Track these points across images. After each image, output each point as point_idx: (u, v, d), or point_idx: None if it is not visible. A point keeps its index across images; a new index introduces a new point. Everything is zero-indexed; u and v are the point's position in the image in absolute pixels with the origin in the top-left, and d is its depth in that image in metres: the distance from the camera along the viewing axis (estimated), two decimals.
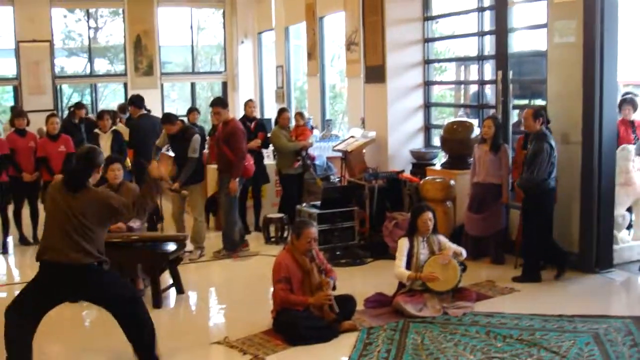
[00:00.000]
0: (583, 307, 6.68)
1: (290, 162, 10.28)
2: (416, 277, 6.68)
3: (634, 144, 8.35)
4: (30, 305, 5.32)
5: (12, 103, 17.13)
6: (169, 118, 9.05)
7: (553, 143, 7.51)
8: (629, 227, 8.53)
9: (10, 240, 10.03)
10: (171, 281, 7.62)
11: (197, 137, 8.96)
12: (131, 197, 7.58)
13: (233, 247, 9.18)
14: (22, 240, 10.03)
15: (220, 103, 9.23)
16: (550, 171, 7.50)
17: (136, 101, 10.84)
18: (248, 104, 11.29)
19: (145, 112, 10.92)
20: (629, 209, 8.44)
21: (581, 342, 5.76)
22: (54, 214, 5.32)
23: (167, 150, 10.04)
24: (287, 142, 10.29)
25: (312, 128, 10.72)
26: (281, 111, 10.69)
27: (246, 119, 10.67)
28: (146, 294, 7.32)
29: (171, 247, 7.39)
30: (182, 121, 9.28)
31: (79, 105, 13.11)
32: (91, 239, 5.28)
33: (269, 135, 10.64)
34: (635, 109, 8.71)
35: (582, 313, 6.46)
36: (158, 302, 7.11)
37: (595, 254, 7.79)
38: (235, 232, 9.19)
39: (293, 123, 11.46)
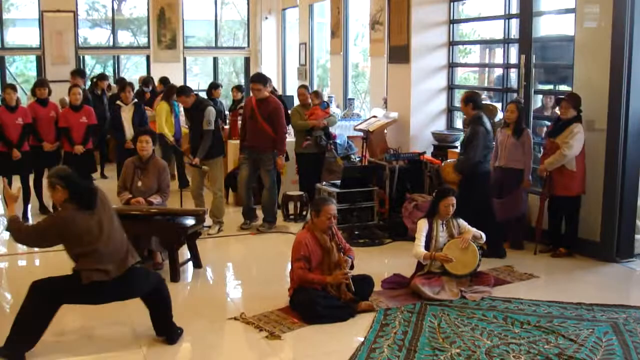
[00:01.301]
0: (602, 296, 6.63)
1: (300, 141, 10.25)
2: (432, 257, 6.68)
3: None
4: (61, 300, 5.39)
5: (35, 72, 17.16)
6: (184, 90, 9.00)
7: (489, 127, 7.84)
8: None
9: (30, 209, 10.06)
10: (189, 255, 7.64)
11: (210, 108, 8.91)
12: (156, 175, 7.64)
13: (274, 219, 9.33)
14: (42, 210, 10.04)
15: (260, 79, 9.11)
16: (485, 154, 7.80)
17: (79, 73, 12.32)
18: None
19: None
20: None
21: (600, 331, 5.72)
22: (99, 228, 5.24)
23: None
24: (297, 120, 10.22)
25: (327, 106, 10.58)
26: (298, 88, 10.65)
27: None
28: (164, 268, 7.37)
29: (190, 221, 7.40)
30: (197, 94, 9.24)
31: (101, 77, 13.13)
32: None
33: (289, 112, 10.59)
34: None
35: (601, 302, 6.42)
36: (176, 276, 7.14)
37: (616, 243, 7.73)
38: (276, 205, 9.46)
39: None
